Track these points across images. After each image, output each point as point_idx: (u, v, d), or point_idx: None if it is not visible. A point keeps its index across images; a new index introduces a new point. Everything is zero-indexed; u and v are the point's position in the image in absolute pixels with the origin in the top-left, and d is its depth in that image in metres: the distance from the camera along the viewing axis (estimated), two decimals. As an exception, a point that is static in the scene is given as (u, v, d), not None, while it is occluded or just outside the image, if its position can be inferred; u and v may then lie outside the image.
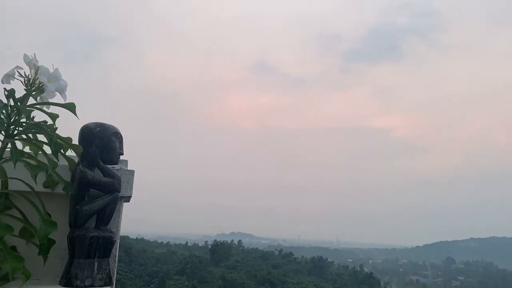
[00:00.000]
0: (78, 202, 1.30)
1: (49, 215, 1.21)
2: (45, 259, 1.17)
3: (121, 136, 1.41)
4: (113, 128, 1.39)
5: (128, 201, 1.58)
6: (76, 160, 1.35)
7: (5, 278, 1.14)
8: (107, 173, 1.35)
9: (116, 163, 1.41)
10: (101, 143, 1.35)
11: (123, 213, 1.54)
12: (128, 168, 1.53)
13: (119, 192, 1.38)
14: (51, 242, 1.19)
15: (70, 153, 1.34)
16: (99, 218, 1.34)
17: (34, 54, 1.18)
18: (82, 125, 1.38)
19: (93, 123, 1.37)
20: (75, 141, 1.31)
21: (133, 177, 1.51)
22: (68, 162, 1.34)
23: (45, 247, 1.17)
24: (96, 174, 1.33)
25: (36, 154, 1.22)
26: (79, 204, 1.29)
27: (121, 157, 1.44)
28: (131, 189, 1.50)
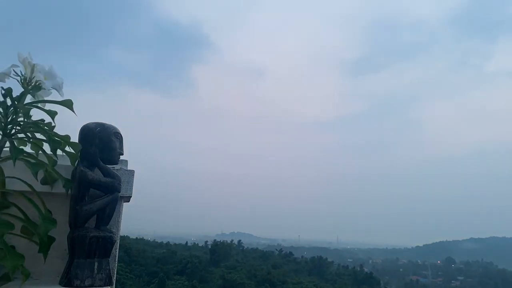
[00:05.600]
0: (78, 202, 1.29)
1: (50, 212, 1.21)
2: (45, 257, 1.17)
3: (121, 136, 1.41)
4: (113, 128, 1.39)
5: (128, 201, 1.58)
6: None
7: (5, 278, 1.14)
8: (107, 173, 1.35)
9: (116, 163, 1.41)
10: (101, 143, 1.34)
11: (123, 213, 1.54)
12: (128, 168, 1.53)
13: (119, 192, 1.37)
14: (51, 239, 1.19)
15: (69, 150, 1.33)
16: (99, 218, 1.34)
17: (29, 52, 1.18)
18: (82, 125, 1.38)
19: (93, 123, 1.37)
20: (74, 138, 1.31)
21: (133, 177, 1.51)
22: (68, 156, 1.33)
23: (45, 245, 1.17)
24: (96, 174, 1.33)
25: (37, 153, 1.22)
26: (79, 204, 1.29)
27: (121, 157, 1.44)
28: (131, 189, 1.50)
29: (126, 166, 1.54)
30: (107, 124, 1.38)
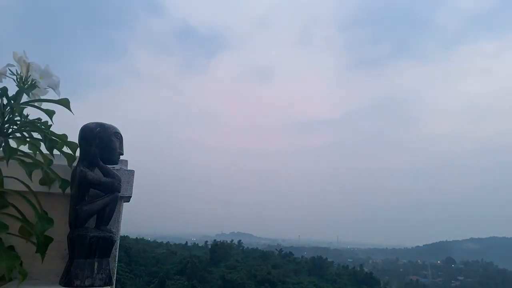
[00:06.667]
0: (78, 202, 1.29)
1: (46, 213, 1.21)
2: (42, 257, 1.16)
3: (121, 136, 1.41)
4: (113, 128, 1.39)
5: (128, 201, 1.57)
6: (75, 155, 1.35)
7: (2, 279, 1.13)
8: (107, 173, 1.35)
9: (116, 163, 1.41)
10: (101, 143, 1.34)
11: (123, 213, 1.54)
12: (128, 168, 1.53)
13: (119, 192, 1.37)
14: (49, 239, 1.18)
15: (67, 151, 1.33)
16: (99, 218, 1.34)
17: (24, 51, 1.17)
18: (82, 125, 1.37)
19: (93, 123, 1.37)
20: (71, 137, 1.31)
21: (133, 177, 1.51)
22: (66, 157, 1.33)
23: (42, 245, 1.16)
24: (96, 174, 1.33)
25: (35, 152, 1.21)
26: (79, 204, 1.29)
27: (121, 157, 1.43)
28: (131, 189, 1.50)
29: (126, 166, 1.54)
30: (107, 124, 1.38)
